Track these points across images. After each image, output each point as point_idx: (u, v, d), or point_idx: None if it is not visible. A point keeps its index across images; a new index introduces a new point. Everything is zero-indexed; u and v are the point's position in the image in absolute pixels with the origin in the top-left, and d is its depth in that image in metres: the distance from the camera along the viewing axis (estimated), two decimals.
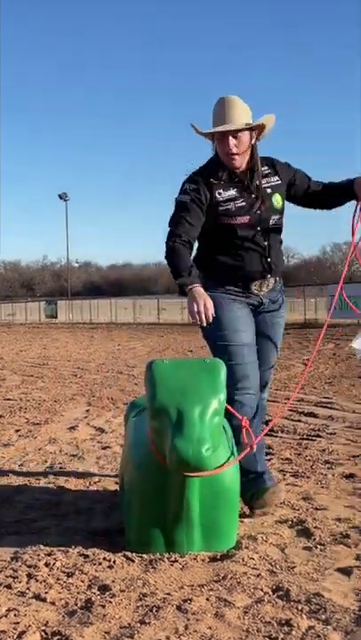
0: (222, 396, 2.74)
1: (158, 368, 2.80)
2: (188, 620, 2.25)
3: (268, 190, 3.48)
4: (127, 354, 14.62)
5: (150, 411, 2.72)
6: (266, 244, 3.49)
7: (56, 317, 45.04)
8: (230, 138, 3.34)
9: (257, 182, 3.46)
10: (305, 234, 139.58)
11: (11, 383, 9.64)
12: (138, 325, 32.36)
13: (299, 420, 6.01)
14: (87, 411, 6.93)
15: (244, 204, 3.42)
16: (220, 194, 3.40)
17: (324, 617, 2.25)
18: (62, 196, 60.95)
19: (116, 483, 3.96)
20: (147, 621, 2.24)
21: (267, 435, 5.39)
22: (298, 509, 3.44)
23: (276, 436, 5.33)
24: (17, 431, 5.81)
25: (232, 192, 3.42)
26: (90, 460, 4.66)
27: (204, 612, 2.29)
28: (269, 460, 4.53)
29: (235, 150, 3.36)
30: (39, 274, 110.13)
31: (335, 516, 3.31)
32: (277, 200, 3.50)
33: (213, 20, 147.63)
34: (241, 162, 3.43)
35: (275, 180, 3.52)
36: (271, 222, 3.50)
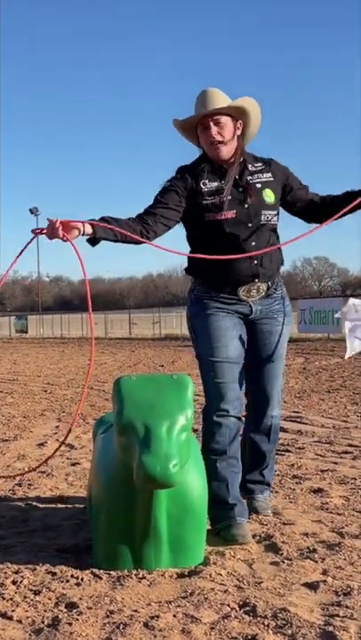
0: (190, 411, 2.75)
1: (126, 384, 2.81)
2: (155, 636, 2.25)
3: (258, 185, 3.36)
4: (98, 369, 14.58)
5: (117, 427, 2.72)
6: (254, 244, 3.31)
7: (26, 332, 44.77)
8: (212, 125, 3.27)
9: (247, 177, 3.35)
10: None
11: None
12: (109, 340, 32.27)
13: None
14: (57, 427, 6.89)
15: (230, 197, 3.29)
16: (204, 184, 3.31)
17: (290, 632, 2.26)
18: (33, 211, 60.81)
19: (85, 499, 3.95)
20: (113, 639, 2.23)
21: None
22: (266, 524, 3.45)
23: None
24: None
25: (216, 184, 3.31)
26: (59, 477, 4.64)
27: (170, 629, 2.30)
28: None
29: (218, 138, 3.28)
30: (9, 288, 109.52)
31: (303, 531, 3.33)
32: (268, 195, 3.36)
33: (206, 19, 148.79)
34: (227, 152, 3.32)
35: (267, 176, 3.40)
36: (263, 218, 3.34)
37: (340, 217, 3.44)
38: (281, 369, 3.57)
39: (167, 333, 32.10)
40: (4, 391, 10.50)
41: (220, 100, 3.29)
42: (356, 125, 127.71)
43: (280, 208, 3.50)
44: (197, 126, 3.34)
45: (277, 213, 3.45)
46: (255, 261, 3.34)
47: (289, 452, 5.29)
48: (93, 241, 3.14)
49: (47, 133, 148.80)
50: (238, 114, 3.34)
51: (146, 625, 2.33)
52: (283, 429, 6.27)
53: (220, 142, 3.29)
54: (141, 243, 3.21)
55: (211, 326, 3.33)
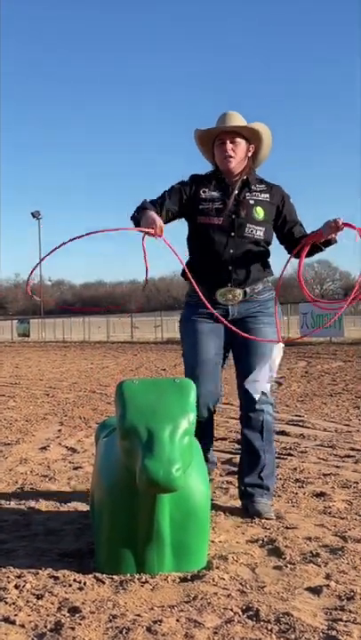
0: (192, 415, 2.75)
1: (128, 388, 2.81)
2: None
3: (251, 202, 3.69)
4: (100, 372, 14.58)
5: (120, 431, 2.72)
6: (232, 252, 3.65)
7: (28, 336, 44.76)
8: (228, 142, 3.66)
9: (245, 194, 3.70)
10: (278, 251, 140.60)
11: None
12: (111, 344, 32.26)
13: None
14: (59, 430, 6.89)
15: (221, 206, 3.66)
16: (204, 192, 3.70)
17: (293, 636, 2.25)
18: (35, 215, 60.86)
19: (88, 503, 3.94)
20: None
21: (239, 453, 5.41)
22: (269, 528, 3.45)
23: None
24: None
25: (215, 194, 3.69)
26: (61, 481, 4.63)
27: (173, 634, 2.29)
28: None
29: (231, 153, 3.66)
30: (11, 292, 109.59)
31: (306, 535, 3.32)
32: (258, 212, 3.68)
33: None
34: (236, 167, 3.70)
35: (264, 196, 3.73)
36: (247, 231, 3.66)
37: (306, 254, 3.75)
38: (265, 366, 3.71)
39: (169, 337, 32.07)
40: (6, 395, 10.50)
41: (239, 121, 3.69)
42: (357, 125, 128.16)
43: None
44: (215, 141, 3.71)
45: (265, 230, 3.73)
46: (230, 267, 3.67)
47: (291, 455, 5.28)
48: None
49: (49, 136, 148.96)
50: (252, 137, 3.72)
51: (149, 629, 2.32)
52: (285, 433, 6.27)
53: (231, 157, 3.67)
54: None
55: (192, 329, 3.72)
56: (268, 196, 3.74)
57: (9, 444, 6.13)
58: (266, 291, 3.79)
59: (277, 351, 3.75)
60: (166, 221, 3.64)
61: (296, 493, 4.13)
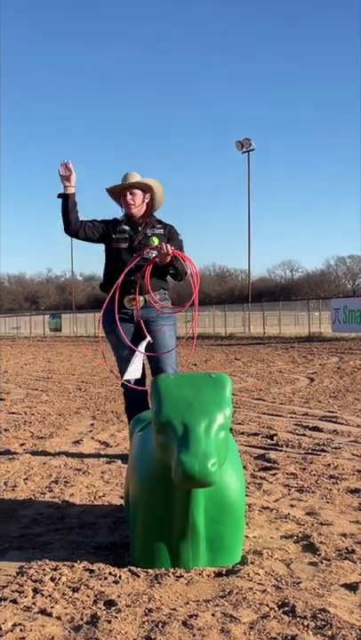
0: (228, 410, 2.74)
1: (164, 382, 2.81)
2: (194, 635, 2.25)
3: (149, 234, 5.03)
4: None
5: (156, 425, 2.72)
6: (134, 268, 4.88)
7: (60, 331, 45.08)
8: (128, 194, 5.02)
9: (146, 231, 5.02)
10: (309, 247, 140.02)
11: (15, 397, 9.64)
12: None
13: (303, 435, 6.00)
14: (92, 424, 6.93)
15: (127, 236, 5.03)
16: (118, 226, 5.06)
17: (330, 633, 2.24)
18: None
19: (122, 497, 3.96)
20: (152, 637, 2.24)
21: (271, 449, 5.41)
22: (303, 524, 3.43)
23: (281, 451, 5.33)
24: (22, 445, 5.81)
25: (125, 227, 5.05)
26: (95, 475, 4.66)
27: (209, 628, 2.29)
28: (274, 474, 4.53)
29: (130, 202, 5.03)
30: (43, 287, 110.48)
31: (341, 532, 3.30)
32: (153, 240, 4.99)
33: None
34: (136, 212, 5.05)
35: (159, 231, 5.06)
36: (145, 254, 4.91)
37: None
38: (166, 353, 5.04)
39: (199, 332, 32.09)
40: (39, 389, 10.58)
41: (135, 179, 5.04)
42: (356, 123, 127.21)
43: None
44: (120, 193, 5.07)
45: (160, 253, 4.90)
46: (132, 278, 4.89)
47: (325, 451, 5.25)
48: (63, 196, 4.95)
49: (81, 132, 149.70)
50: (146, 189, 5.06)
51: (184, 624, 2.32)
52: (318, 429, 6.24)
53: (131, 204, 5.03)
54: (69, 230, 5.02)
55: (113, 331, 5.00)
56: (162, 230, 5.06)
57: (43, 437, 6.18)
58: (163, 300, 5.04)
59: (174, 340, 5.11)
60: (86, 237, 5.02)
61: (330, 490, 4.11)
